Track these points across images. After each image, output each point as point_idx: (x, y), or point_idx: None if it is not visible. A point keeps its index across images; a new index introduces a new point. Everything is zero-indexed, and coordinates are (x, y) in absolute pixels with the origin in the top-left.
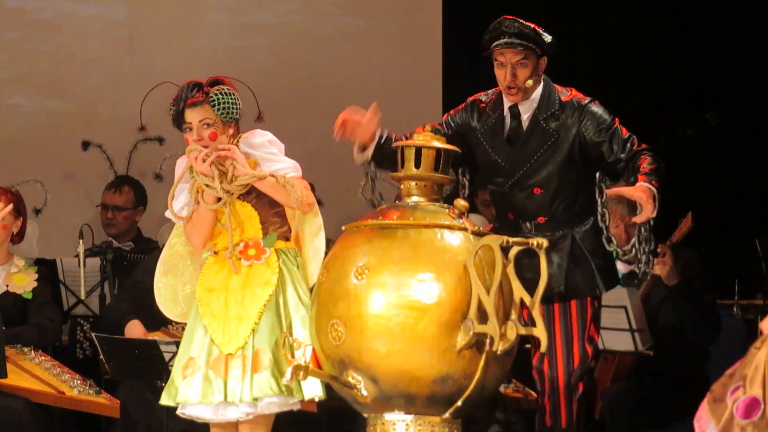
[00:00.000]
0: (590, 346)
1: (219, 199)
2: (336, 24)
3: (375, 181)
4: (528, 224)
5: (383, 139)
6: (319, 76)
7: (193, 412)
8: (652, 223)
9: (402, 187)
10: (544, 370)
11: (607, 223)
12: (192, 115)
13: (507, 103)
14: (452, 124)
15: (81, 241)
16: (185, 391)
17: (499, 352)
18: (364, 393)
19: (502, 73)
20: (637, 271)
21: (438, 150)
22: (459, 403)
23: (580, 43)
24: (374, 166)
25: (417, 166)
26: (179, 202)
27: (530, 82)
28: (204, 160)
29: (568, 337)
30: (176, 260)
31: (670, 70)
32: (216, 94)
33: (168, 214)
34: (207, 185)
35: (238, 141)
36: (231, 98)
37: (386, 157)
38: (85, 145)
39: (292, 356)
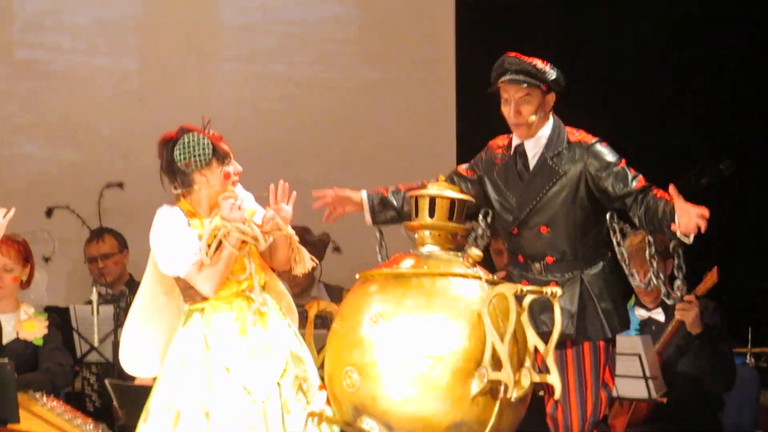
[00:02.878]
0: (604, 392)
1: (245, 244)
2: (350, 75)
3: (383, 242)
4: (538, 265)
5: (377, 199)
6: (333, 127)
7: None
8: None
9: (416, 236)
10: (557, 418)
11: (627, 261)
12: (226, 149)
13: (515, 142)
14: (480, 166)
15: (94, 288)
16: None
17: (513, 400)
18: None
19: (507, 109)
20: (666, 299)
21: (452, 200)
22: None
23: (589, 89)
24: (379, 228)
25: (431, 215)
26: (186, 253)
27: (534, 118)
28: (238, 208)
29: (581, 383)
30: (143, 313)
31: (683, 118)
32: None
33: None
34: (242, 232)
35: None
36: None
37: (389, 213)
38: (49, 212)
39: (307, 402)
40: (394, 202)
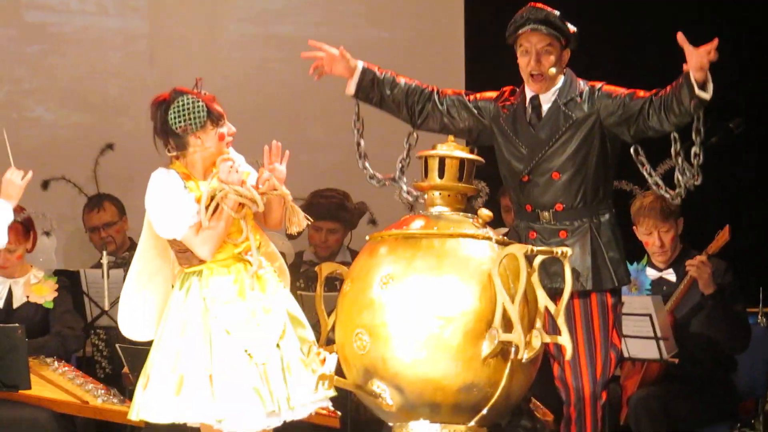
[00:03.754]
0: (614, 353)
1: (242, 206)
2: (359, 35)
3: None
4: (546, 213)
5: (369, 76)
6: (340, 87)
7: (238, 425)
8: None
9: (426, 196)
10: (567, 380)
11: (659, 184)
12: (220, 110)
13: (529, 94)
14: (478, 106)
15: (104, 252)
16: (224, 406)
17: (524, 361)
18: (390, 402)
19: (526, 60)
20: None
21: (461, 160)
22: (484, 411)
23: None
24: (358, 103)
25: (441, 176)
26: (183, 216)
27: (554, 70)
28: (236, 171)
29: (590, 344)
30: (140, 277)
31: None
32: None
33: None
34: (240, 194)
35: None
36: None
37: (374, 96)
38: (45, 184)
39: (318, 365)
40: (386, 90)
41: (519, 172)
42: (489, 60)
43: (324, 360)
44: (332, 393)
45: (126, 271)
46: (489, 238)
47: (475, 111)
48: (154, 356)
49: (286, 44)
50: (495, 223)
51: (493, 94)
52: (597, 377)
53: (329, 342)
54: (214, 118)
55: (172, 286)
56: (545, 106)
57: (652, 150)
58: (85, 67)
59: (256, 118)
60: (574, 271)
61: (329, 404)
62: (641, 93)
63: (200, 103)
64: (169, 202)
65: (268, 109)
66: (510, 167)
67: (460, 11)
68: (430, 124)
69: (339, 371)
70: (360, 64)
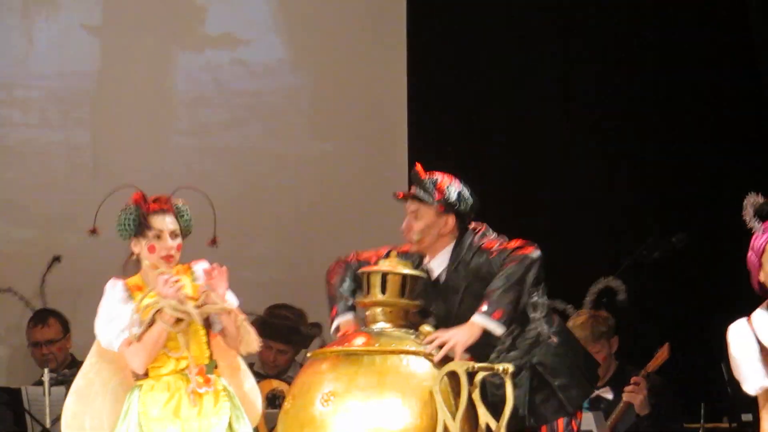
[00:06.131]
0: None
1: (179, 321)
2: (302, 148)
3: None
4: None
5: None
6: (285, 200)
7: None
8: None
9: (368, 313)
10: None
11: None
12: (161, 223)
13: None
14: None
15: (46, 369)
16: None
17: None
18: None
19: (404, 222)
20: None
21: (404, 276)
22: None
23: (540, 166)
24: None
25: (383, 292)
26: (119, 328)
27: (419, 236)
28: (173, 284)
29: None
30: (88, 389)
31: (634, 193)
32: (181, 206)
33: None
34: (174, 308)
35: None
36: (188, 213)
37: None
38: None
39: None
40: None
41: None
42: (434, 167)
43: None
44: None
45: (67, 389)
46: (431, 355)
47: None
48: None
49: (229, 157)
50: None
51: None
52: None
53: None
54: (145, 230)
55: None
56: (437, 272)
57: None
58: (29, 179)
59: (199, 231)
60: (521, 408)
61: None
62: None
63: (132, 215)
64: (107, 314)
65: (211, 221)
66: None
67: (403, 126)
68: None
69: None
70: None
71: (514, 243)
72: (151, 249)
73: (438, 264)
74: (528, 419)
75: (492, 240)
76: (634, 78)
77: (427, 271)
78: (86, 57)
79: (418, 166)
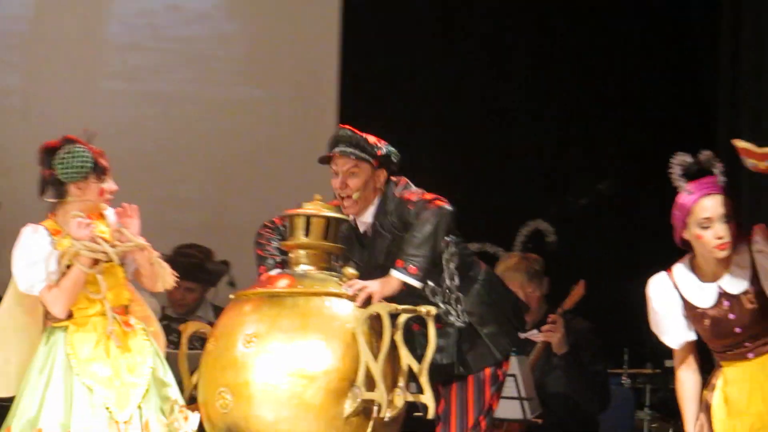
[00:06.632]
0: (486, 420)
1: (96, 262)
2: (233, 94)
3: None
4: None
5: None
6: (213, 145)
7: None
8: (455, 279)
9: (291, 255)
10: None
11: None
12: (107, 164)
13: (351, 215)
14: None
15: None
16: None
17: (386, 419)
18: None
19: (336, 182)
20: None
21: (327, 219)
22: None
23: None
24: None
25: (306, 234)
26: (40, 272)
27: (358, 194)
28: (87, 226)
29: (463, 412)
30: (14, 331)
31: (564, 139)
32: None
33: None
34: (90, 249)
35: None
36: None
37: None
38: None
39: (181, 424)
40: None
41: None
42: (360, 120)
43: (187, 418)
44: None
45: None
46: (353, 297)
47: None
48: (16, 411)
49: (158, 101)
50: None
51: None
52: None
53: (192, 400)
54: (99, 172)
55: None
56: (361, 229)
57: None
58: None
59: (127, 175)
60: (450, 357)
61: None
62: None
63: (88, 154)
64: (28, 259)
65: (139, 166)
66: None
67: (334, 70)
68: None
69: (202, 430)
70: None
71: (429, 195)
72: (102, 192)
73: (366, 218)
74: (456, 367)
75: (412, 192)
76: (560, 31)
77: (356, 226)
78: (19, 0)
79: (346, 127)
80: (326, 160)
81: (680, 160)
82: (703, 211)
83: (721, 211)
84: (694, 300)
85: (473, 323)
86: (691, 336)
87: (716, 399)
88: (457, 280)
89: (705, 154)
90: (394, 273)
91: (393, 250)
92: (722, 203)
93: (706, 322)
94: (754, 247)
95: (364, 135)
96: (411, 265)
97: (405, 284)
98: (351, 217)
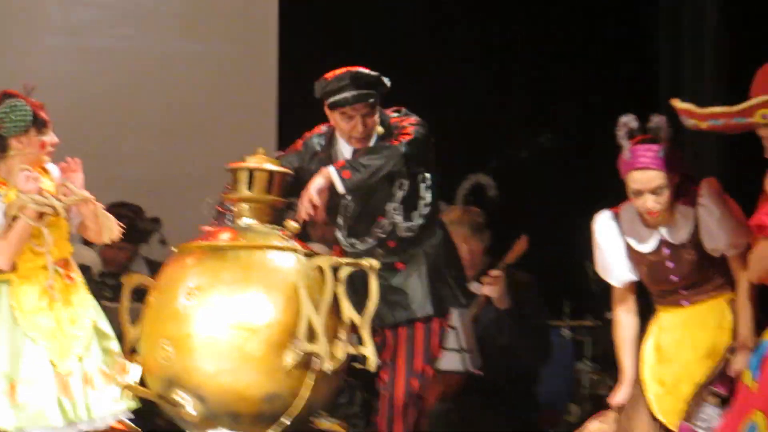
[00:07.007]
0: (432, 367)
1: (41, 216)
2: (173, 48)
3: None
4: (380, 249)
5: None
6: (153, 99)
7: None
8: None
9: (234, 209)
10: (386, 386)
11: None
12: (47, 116)
13: (348, 149)
14: (288, 165)
15: None
16: (24, 414)
17: (327, 372)
18: (192, 412)
19: (350, 124)
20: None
21: (271, 172)
22: (284, 419)
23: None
24: None
25: (249, 188)
26: None
27: (381, 128)
28: (34, 179)
29: (411, 353)
30: None
31: (504, 93)
32: None
33: None
34: (37, 203)
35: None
36: None
37: None
38: None
39: (121, 375)
40: None
41: (344, 219)
42: (302, 73)
43: (127, 370)
44: (135, 404)
45: None
46: (295, 250)
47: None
48: None
49: (99, 57)
50: (302, 235)
51: (296, 147)
52: (413, 390)
53: (133, 352)
54: (39, 125)
55: None
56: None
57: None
58: None
59: (69, 130)
60: (412, 297)
61: (130, 417)
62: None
63: (27, 108)
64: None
65: (80, 122)
66: (330, 217)
67: (274, 24)
68: None
69: (143, 382)
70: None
71: (410, 120)
72: (43, 144)
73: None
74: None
75: (410, 121)
76: None
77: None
78: None
79: (353, 68)
80: (342, 104)
81: (626, 121)
82: (634, 182)
83: (652, 186)
84: (634, 243)
85: (441, 266)
86: (632, 276)
87: (648, 345)
88: (425, 211)
89: (655, 121)
90: (330, 168)
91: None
92: (655, 178)
93: (644, 266)
94: (699, 200)
95: (371, 72)
96: (347, 170)
97: (331, 185)
98: (335, 149)
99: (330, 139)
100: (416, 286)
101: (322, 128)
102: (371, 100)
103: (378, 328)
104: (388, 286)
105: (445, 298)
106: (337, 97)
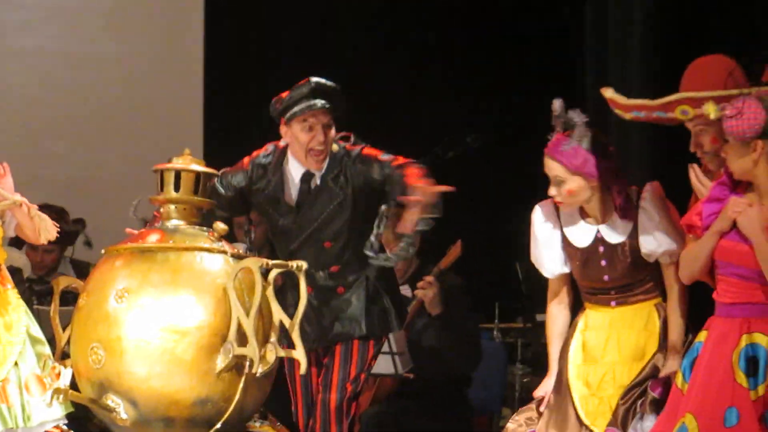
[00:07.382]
0: (365, 374)
1: None
2: (98, 48)
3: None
4: (321, 273)
5: None
6: (82, 100)
7: None
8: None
9: (162, 210)
10: (320, 389)
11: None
12: None
13: (299, 170)
14: (231, 185)
15: None
16: None
17: (258, 375)
18: (124, 416)
19: (311, 135)
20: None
21: (197, 173)
22: (218, 425)
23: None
24: None
25: (176, 189)
26: None
27: (336, 146)
28: None
29: (347, 360)
30: None
31: (430, 93)
32: None
33: None
34: None
35: None
36: None
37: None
38: None
39: (54, 380)
40: None
41: (287, 243)
42: (228, 73)
43: (59, 374)
44: (69, 409)
45: None
46: (224, 252)
47: (233, 191)
48: None
49: (25, 57)
50: (230, 237)
51: (242, 165)
52: (346, 394)
53: (65, 356)
54: None
55: None
56: (313, 183)
57: None
58: None
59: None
60: (353, 318)
61: (64, 422)
62: (392, 157)
63: None
64: None
65: (6, 123)
66: (276, 238)
67: (200, 24)
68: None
69: (75, 386)
70: None
71: (400, 159)
72: None
73: (318, 174)
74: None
75: (365, 147)
76: None
77: (309, 179)
78: None
79: (317, 78)
80: (303, 112)
81: (556, 106)
82: (545, 167)
83: (552, 174)
84: (571, 236)
85: (381, 290)
86: (565, 269)
87: (574, 343)
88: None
89: (572, 114)
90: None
91: (345, 205)
92: (553, 168)
93: (577, 261)
94: (640, 203)
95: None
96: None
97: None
98: (278, 176)
99: (280, 157)
100: (354, 309)
101: (269, 147)
102: (335, 112)
103: (315, 348)
104: (328, 309)
105: (381, 322)
106: (302, 105)
